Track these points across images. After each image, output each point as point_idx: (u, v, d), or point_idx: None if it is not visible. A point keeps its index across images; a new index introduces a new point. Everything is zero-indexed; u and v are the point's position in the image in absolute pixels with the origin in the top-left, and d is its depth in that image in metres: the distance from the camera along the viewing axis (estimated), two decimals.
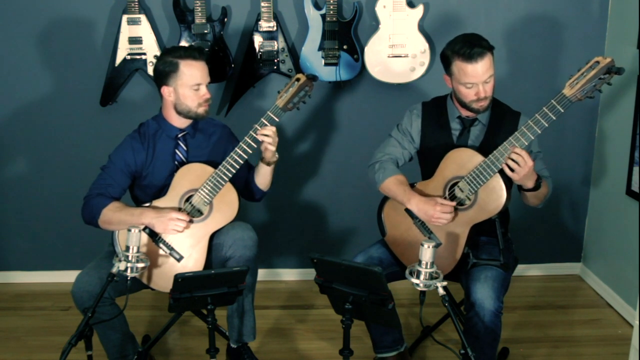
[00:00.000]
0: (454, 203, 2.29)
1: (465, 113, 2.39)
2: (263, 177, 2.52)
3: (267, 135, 2.36)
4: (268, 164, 2.48)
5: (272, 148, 2.41)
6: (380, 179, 2.43)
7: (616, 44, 3.18)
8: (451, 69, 2.28)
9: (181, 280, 2.05)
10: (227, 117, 3.25)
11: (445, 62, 2.31)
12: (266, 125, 2.37)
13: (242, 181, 2.57)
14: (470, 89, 2.26)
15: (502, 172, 2.23)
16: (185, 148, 2.48)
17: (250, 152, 2.37)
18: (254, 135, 2.36)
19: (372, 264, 2.34)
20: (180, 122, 2.47)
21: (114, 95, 3.22)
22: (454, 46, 2.26)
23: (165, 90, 2.40)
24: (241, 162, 2.37)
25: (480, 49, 2.21)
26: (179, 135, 2.47)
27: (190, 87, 2.37)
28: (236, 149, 2.36)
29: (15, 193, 3.43)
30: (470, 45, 2.21)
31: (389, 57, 3.12)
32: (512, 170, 2.17)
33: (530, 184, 2.24)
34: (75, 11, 3.19)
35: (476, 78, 2.23)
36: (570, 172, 3.43)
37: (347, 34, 3.14)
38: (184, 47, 2.52)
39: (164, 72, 2.37)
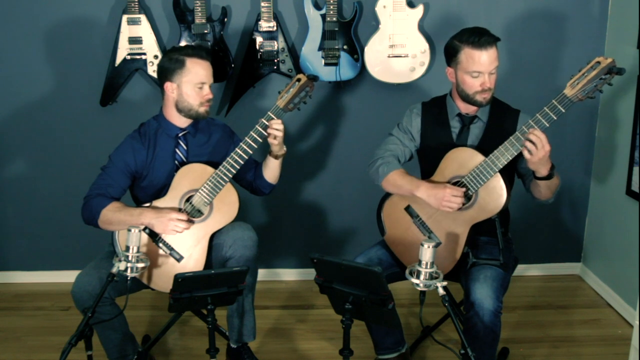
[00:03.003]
0: (463, 189, 2.28)
1: (465, 110, 2.38)
2: (272, 170, 2.54)
3: (276, 129, 2.38)
4: (276, 157, 2.50)
5: (277, 141, 2.41)
6: (385, 172, 2.41)
7: (616, 44, 3.18)
8: (458, 58, 2.29)
9: (181, 280, 2.05)
10: (227, 117, 3.25)
11: (452, 52, 2.33)
12: (266, 124, 2.37)
13: (249, 178, 2.59)
14: (476, 78, 2.27)
15: (502, 172, 2.23)
16: (185, 148, 2.48)
17: (251, 152, 2.38)
18: (255, 135, 2.37)
19: (372, 264, 2.34)
20: (181, 122, 2.47)
21: (114, 95, 3.22)
22: (461, 36, 2.30)
23: (169, 86, 2.40)
24: (241, 162, 2.37)
25: (489, 38, 2.26)
26: (180, 135, 2.48)
27: (195, 85, 2.38)
28: (236, 149, 2.37)
29: (15, 193, 3.42)
30: (479, 34, 2.26)
31: (389, 57, 3.12)
32: (530, 152, 2.14)
33: (544, 170, 2.22)
34: (76, 11, 3.18)
35: (484, 66, 2.25)
36: (570, 172, 3.42)
37: (347, 34, 3.14)
38: (191, 46, 2.53)
39: (170, 69, 2.38)
